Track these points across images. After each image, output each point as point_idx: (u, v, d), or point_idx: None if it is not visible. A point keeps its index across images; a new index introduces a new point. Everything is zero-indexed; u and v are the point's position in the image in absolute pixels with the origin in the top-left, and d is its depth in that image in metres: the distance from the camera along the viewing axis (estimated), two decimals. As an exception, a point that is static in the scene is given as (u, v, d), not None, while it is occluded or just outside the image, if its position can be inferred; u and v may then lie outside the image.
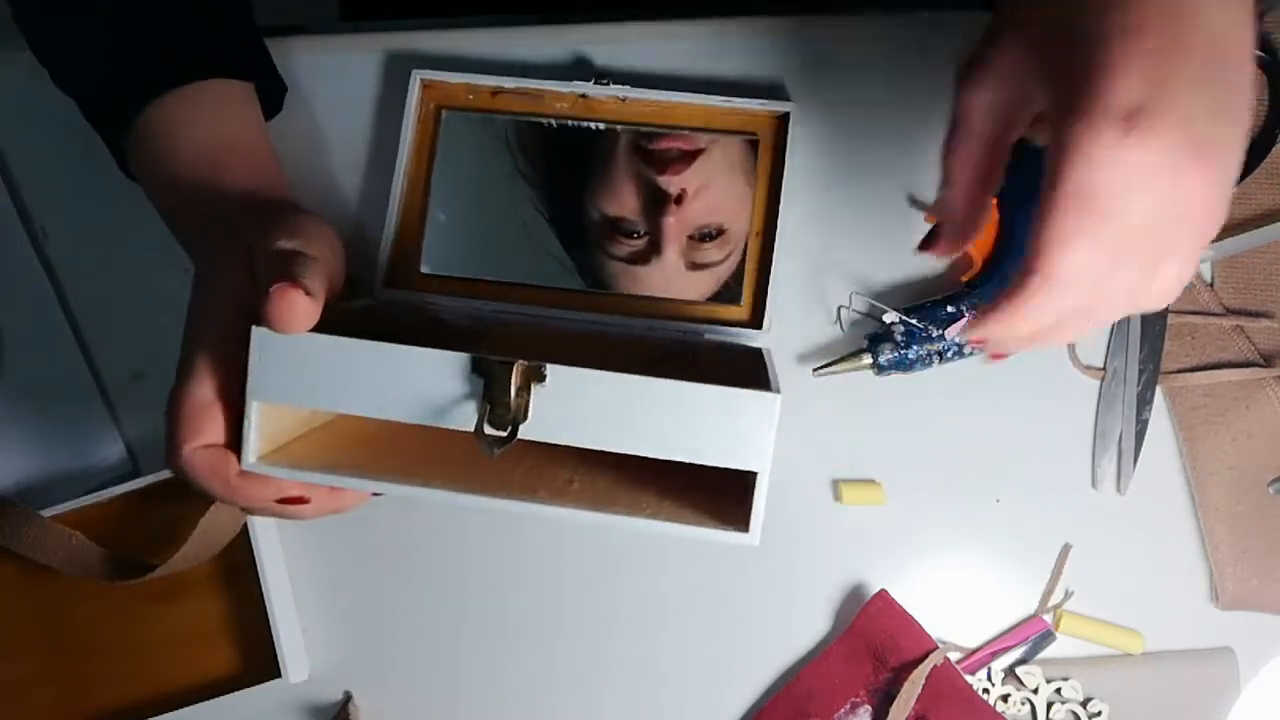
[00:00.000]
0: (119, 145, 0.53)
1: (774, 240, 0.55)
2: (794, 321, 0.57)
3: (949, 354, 0.54)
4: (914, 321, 0.54)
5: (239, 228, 0.47)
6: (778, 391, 0.41)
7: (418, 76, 0.57)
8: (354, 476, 0.44)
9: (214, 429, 0.44)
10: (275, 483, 0.45)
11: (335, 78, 0.60)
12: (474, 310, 0.57)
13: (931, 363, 0.54)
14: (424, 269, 0.57)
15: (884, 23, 0.57)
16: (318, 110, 0.60)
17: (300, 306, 0.41)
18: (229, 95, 0.53)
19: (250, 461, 0.44)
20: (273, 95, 0.58)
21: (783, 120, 0.56)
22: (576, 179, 0.57)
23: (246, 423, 0.43)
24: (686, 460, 0.41)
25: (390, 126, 0.57)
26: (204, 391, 0.44)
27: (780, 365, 0.57)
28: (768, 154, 0.56)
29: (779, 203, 0.55)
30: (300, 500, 0.46)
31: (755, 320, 0.56)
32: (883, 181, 0.57)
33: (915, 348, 0.54)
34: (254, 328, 0.42)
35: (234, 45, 0.54)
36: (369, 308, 0.56)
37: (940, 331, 0.54)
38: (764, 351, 0.53)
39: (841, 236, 0.57)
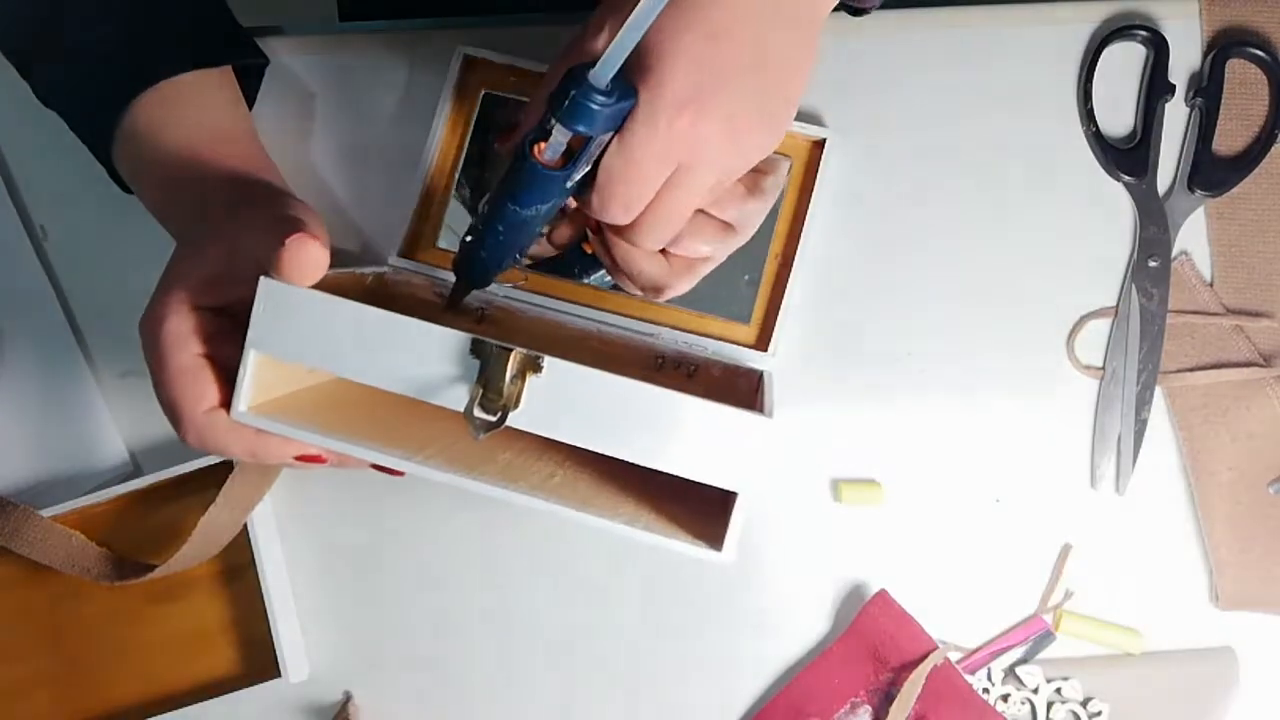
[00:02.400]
0: (107, 155, 0.53)
1: (792, 265, 0.55)
2: (796, 337, 0.57)
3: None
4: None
5: (225, 211, 0.48)
6: (770, 416, 0.41)
7: (461, 51, 0.56)
8: (339, 439, 0.44)
9: (212, 390, 0.45)
10: (295, 441, 0.45)
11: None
12: (482, 292, 0.57)
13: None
14: (440, 244, 0.58)
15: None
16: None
17: (314, 254, 0.42)
18: (206, 85, 0.53)
19: (240, 410, 0.44)
20: (254, 72, 0.58)
21: (818, 146, 0.55)
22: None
23: (242, 371, 0.43)
24: (669, 471, 0.41)
25: (432, 106, 0.58)
26: (188, 357, 0.45)
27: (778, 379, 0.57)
28: (799, 178, 0.56)
29: (803, 228, 0.55)
30: (318, 459, 0.47)
31: (762, 343, 0.56)
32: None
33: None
34: (262, 278, 0.42)
35: (204, 33, 0.54)
36: (380, 275, 0.56)
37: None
38: (765, 375, 0.52)
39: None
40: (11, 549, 0.56)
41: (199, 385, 0.45)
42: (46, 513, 0.57)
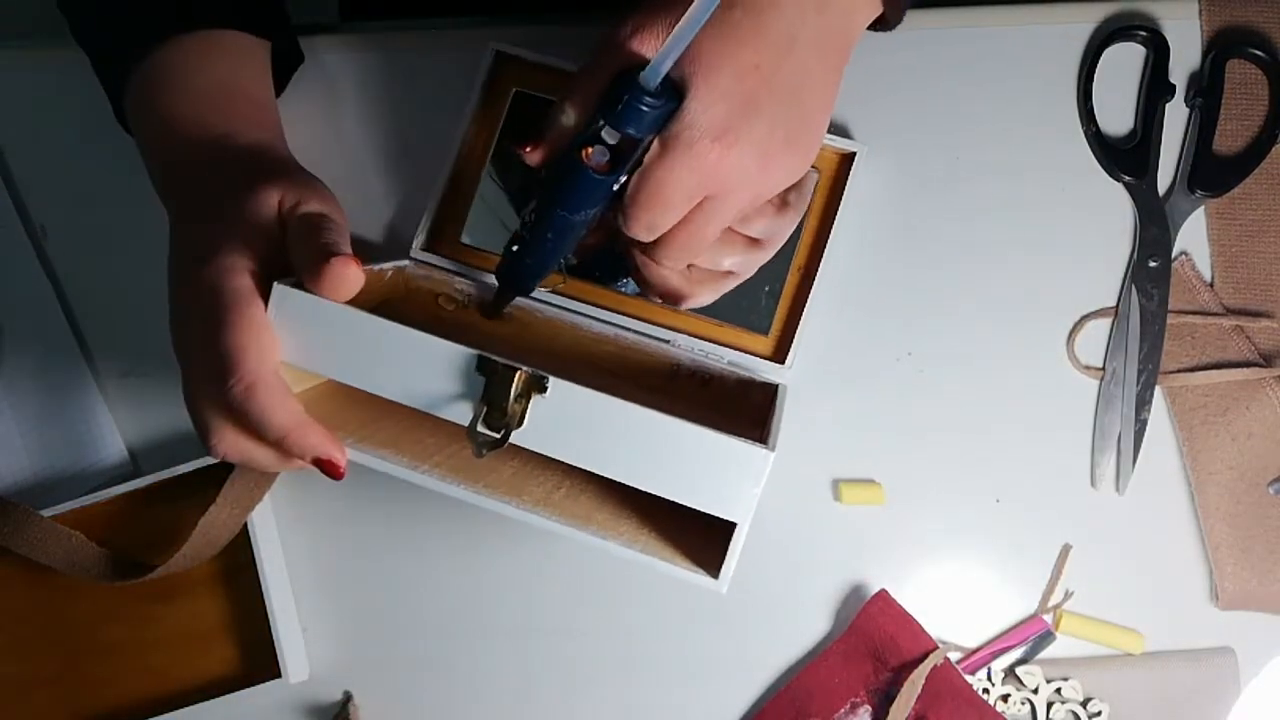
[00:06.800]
0: (121, 88, 0.52)
1: (814, 278, 0.54)
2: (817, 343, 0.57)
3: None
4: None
5: (250, 169, 0.46)
6: (772, 449, 0.41)
7: (493, 48, 0.56)
8: (348, 443, 0.44)
9: (278, 347, 0.43)
10: (320, 436, 0.43)
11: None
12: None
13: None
14: (464, 239, 0.57)
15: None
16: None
17: (354, 278, 0.41)
18: (242, 47, 0.52)
19: None
20: (286, 61, 0.57)
21: (847, 159, 0.55)
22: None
23: None
24: (669, 498, 0.42)
25: (458, 101, 0.57)
26: (260, 312, 0.42)
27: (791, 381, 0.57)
28: (825, 191, 0.56)
29: (827, 241, 0.54)
30: (334, 468, 0.44)
31: (779, 355, 0.55)
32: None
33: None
34: (275, 284, 0.42)
35: (254, 3, 0.53)
36: (400, 269, 0.56)
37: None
38: (780, 390, 0.52)
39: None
40: (11, 549, 0.56)
41: (269, 339, 0.42)
42: (46, 513, 0.57)
